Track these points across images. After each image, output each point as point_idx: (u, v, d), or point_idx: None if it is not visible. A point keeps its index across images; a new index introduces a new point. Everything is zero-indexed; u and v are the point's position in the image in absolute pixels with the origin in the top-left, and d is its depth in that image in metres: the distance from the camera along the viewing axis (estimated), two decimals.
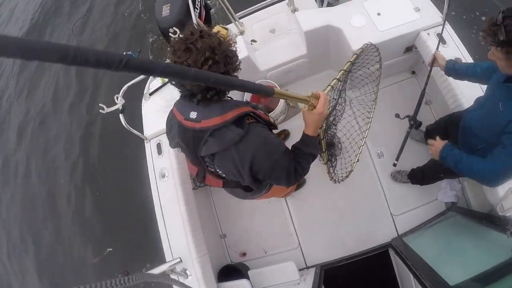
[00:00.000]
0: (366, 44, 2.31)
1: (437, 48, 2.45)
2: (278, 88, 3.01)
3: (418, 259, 2.26)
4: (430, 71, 2.62)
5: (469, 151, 2.06)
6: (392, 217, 3.04)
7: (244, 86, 1.04)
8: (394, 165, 2.90)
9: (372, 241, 2.98)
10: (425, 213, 2.98)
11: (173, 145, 1.69)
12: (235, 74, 1.46)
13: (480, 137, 1.98)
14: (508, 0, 4.10)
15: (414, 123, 2.69)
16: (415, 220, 2.96)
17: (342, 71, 1.91)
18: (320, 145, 2.06)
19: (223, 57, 1.35)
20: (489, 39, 1.57)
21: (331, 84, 1.78)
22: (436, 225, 2.84)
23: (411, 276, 2.28)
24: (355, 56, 2.12)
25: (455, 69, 2.29)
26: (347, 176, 2.42)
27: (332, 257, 3.04)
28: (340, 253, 3.03)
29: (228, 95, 1.58)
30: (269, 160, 1.53)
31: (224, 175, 1.68)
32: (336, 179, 2.39)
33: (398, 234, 2.99)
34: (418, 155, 3.04)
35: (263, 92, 1.14)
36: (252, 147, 1.47)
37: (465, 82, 2.43)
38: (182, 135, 1.56)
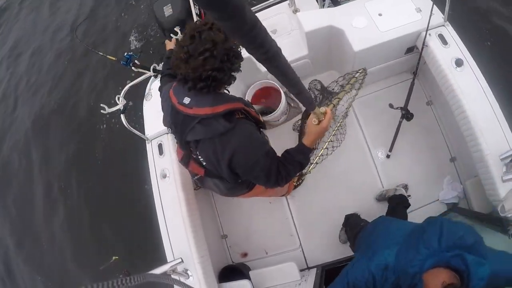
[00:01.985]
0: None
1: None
2: (280, 89, 3.01)
3: None
4: (421, 54, 2.67)
5: None
6: None
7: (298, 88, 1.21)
8: (388, 156, 3.00)
9: None
10: (426, 214, 2.94)
11: (165, 123, 1.78)
12: (232, 73, 1.51)
13: None
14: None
15: (406, 113, 2.80)
16: (416, 221, 2.96)
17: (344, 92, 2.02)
18: None
19: (221, 54, 1.39)
20: None
21: (334, 103, 1.87)
22: None
23: None
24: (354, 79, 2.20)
25: None
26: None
27: (333, 258, 3.04)
28: (341, 254, 3.02)
29: (227, 89, 1.65)
30: (249, 158, 1.57)
31: (204, 163, 1.74)
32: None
33: None
34: (412, 148, 3.12)
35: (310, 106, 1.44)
36: (235, 142, 1.53)
37: (466, 82, 2.45)
38: (173, 117, 1.64)
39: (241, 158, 1.57)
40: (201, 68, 1.38)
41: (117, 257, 3.97)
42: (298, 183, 3.17)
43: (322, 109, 1.63)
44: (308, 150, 1.70)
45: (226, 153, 1.54)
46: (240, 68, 1.54)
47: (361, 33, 2.68)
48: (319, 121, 1.64)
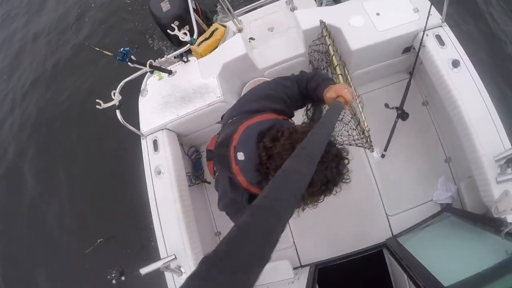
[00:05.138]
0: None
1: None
2: None
3: (412, 259, 2.27)
4: (418, 54, 2.67)
5: None
6: (387, 217, 3.05)
7: None
8: (383, 156, 3.00)
9: (366, 241, 2.99)
10: (420, 214, 2.99)
11: None
12: None
13: None
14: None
15: (402, 112, 2.82)
16: (410, 221, 2.97)
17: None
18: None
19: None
20: None
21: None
22: (431, 226, 2.85)
23: (405, 276, 2.29)
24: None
25: None
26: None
27: (326, 256, 3.04)
28: (335, 252, 3.03)
29: None
30: None
31: None
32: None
33: (392, 234, 3.00)
34: (407, 148, 3.12)
35: None
36: None
37: (463, 83, 2.45)
38: None
39: None
40: None
41: (102, 239, 3.97)
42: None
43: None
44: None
45: None
46: None
47: (359, 32, 2.68)
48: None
